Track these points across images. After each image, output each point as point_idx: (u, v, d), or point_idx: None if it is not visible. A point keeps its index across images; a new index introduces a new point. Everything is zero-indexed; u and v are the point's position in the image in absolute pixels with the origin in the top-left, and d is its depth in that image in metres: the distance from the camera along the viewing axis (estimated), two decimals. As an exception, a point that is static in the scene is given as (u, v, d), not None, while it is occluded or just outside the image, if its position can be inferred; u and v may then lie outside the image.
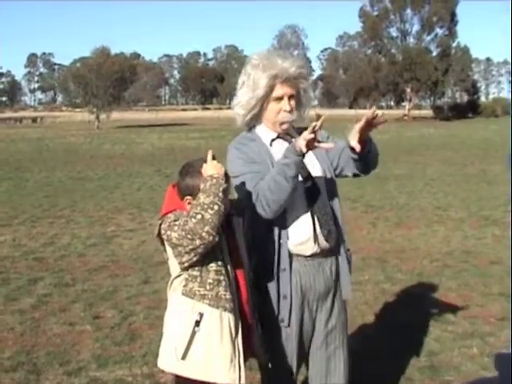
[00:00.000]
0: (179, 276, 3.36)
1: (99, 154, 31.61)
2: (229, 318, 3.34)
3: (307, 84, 3.87)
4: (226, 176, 3.34)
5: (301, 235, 3.71)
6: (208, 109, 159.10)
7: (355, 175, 3.90)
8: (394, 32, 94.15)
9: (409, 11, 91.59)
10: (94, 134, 56.08)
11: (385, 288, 8.09)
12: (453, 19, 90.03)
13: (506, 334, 6.45)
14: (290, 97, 3.75)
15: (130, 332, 6.65)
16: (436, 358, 5.91)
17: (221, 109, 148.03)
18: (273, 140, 3.83)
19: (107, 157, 30.11)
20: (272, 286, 3.73)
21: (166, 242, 3.31)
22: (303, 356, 3.97)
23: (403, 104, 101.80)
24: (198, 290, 3.31)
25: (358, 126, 3.50)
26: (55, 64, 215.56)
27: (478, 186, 18.39)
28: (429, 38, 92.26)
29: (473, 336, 6.41)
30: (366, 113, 3.50)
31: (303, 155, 3.48)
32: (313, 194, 3.74)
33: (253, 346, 3.55)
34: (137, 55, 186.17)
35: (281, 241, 3.71)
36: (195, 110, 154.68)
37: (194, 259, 3.22)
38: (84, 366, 5.82)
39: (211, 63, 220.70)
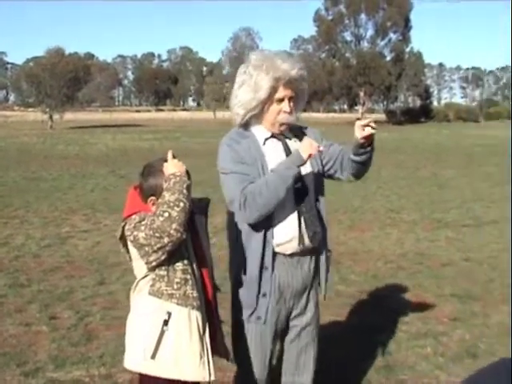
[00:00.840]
0: (145, 277, 3.37)
1: (53, 155, 31.29)
2: (196, 316, 3.37)
3: (306, 86, 3.90)
4: (188, 174, 3.36)
5: (286, 235, 3.77)
6: (162, 110, 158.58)
7: (349, 178, 4.04)
8: (348, 36, 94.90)
9: (363, 16, 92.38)
10: (48, 134, 55.49)
11: (339, 289, 8.15)
12: (407, 24, 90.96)
13: (458, 333, 6.59)
14: (290, 98, 3.79)
15: (86, 333, 6.61)
16: (391, 357, 6.00)
17: (174, 110, 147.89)
18: (266, 139, 3.87)
19: (61, 157, 29.82)
20: (252, 283, 3.79)
21: (131, 244, 3.30)
22: (276, 351, 4.05)
23: (356, 108, 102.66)
24: (166, 290, 3.32)
25: (361, 123, 3.65)
26: (8, 63, 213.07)
27: (430, 189, 18.64)
28: (383, 42, 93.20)
29: (426, 336, 6.53)
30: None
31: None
32: (301, 194, 3.80)
33: (217, 344, 3.60)
34: (91, 55, 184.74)
35: (266, 239, 3.76)
36: (149, 111, 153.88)
37: (162, 258, 3.24)
38: (41, 366, 5.78)
39: (165, 64, 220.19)
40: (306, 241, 3.80)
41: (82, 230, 12.15)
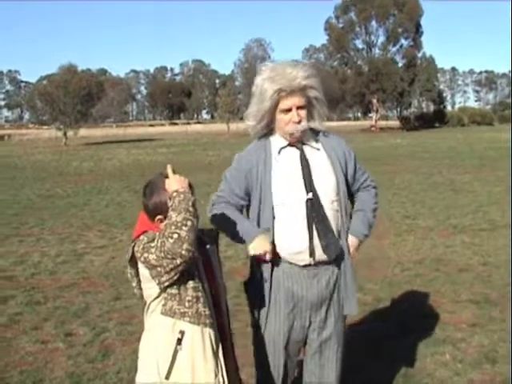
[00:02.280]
0: (157, 297, 3.34)
1: (68, 171, 31.41)
2: (209, 333, 3.35)
3: (317, 93, 3.85)
4: (191, 187, 3.33)
5: (296, 245, 3.78)
6: (176, 124, 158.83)
7: None
8: (359, 44, 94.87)
9: (374, 23, 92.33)
10: (62, 150, 55.72)
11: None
12: (417, 30, 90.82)
13: (476, 339, 6.52)
14: (300, 107, 3.77)
15: (102, 348, 6.60)
16: (410, 365, 5.94)
17: (188, 123, 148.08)
18: (282, 148, 3.88)
19: (76, 174, 29.93)
20: (264, 292, 3.85)
21: (142, 264, 3.27)
22: (291, 364, 4.02)
23: (370, 115, 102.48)
24: (178, 309, 3.30)
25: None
26: (21, 81, 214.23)
27: (445, 194, 18.54)
28: (394, 49, 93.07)
29: (445, 342, 6.47)
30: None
31: None
32: (314, 205, 3.77)
33: (229, 369, 3.54)
34: (104, 71, 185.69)
35: (277, 248, 3.78)
36: (162, 125, 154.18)
37: (175, 277, 3.21)
38: (58, 383, 5.78)
39: (178, 78, 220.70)
40: (319, 253, 3.77)
41: (98, 245, 12.15)
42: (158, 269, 3.18)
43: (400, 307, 7.81)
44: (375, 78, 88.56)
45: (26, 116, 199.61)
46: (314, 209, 3.76)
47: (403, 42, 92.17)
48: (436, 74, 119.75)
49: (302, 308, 3.86)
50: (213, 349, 3.35)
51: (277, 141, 3.90)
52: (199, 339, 3.30)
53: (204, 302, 3.36)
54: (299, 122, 3.77)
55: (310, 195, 3.76)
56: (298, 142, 3.86)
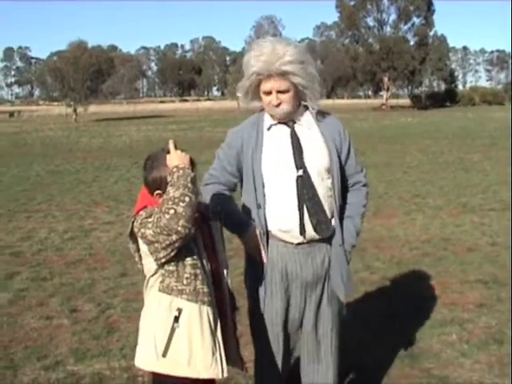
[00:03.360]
0: (155, 273, 3.31)
1: (77, 148, 31.44)
2: (207, 311, 3.31)
3: (301, 79, 3.71)
4: (192, 163, 3.27)
5: (286, 222, 3.75)
6: (186, 100, 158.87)
7: None
8: (370, 22, 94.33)
9: (385, 1, 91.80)
10: (72, 127, 55.81)
11: (363, 277, 8.08)
12: (429, 8, 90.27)
13: (483, 320, 6.47)
14: (281, 91, 3.69)
15: (107, 325, 6.60)
16: (416, 345, 5.90)
17: (199, 100, 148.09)
18: (272, 125, 3.86)
19: (85, 150, 29.94)
20: (260, 269, 3.84)
21: (140, 240, 3.24)
22: (289, 342, 4.00)
23: (381, 93, 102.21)
24: (176, 286, 3.27)
25: None
26: (32, 58, 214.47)
27: (455, 173, 18.44)
28: (406, 27, 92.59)
29: (452, 323, 6.41)
30: None
31: None
32: (304, 182, 3.73)
33: (230, 351, 3.53)
34: (114, 48, 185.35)
35: (268, 225, 3.78)
36: (173, 101, 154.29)
37: (172, 254, 3.17)
38: (61, 360, 5.77)
39: (189, 55, 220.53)
40: (309, 230, 3.73)
41: (105, 221, 12.16)
42: (156, 244, 3.14)
43: (407, 287, 7.77)
44: (386, 57, 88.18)
45: (37, 92, 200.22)
46: (305, 186, 3.73)
47: (415, 20, 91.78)
48: (447, 52, 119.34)
49: (297, 287, 3.85)
50: (211, 327, 3.31)
51: (268, 117, 3.87)
52: (197, 317, 3.27)
53: (202, 279, 3.32)
54: (278, 105, 3.71)
55: (300, 172, 3.73)
56: (288, 119, 3.81)
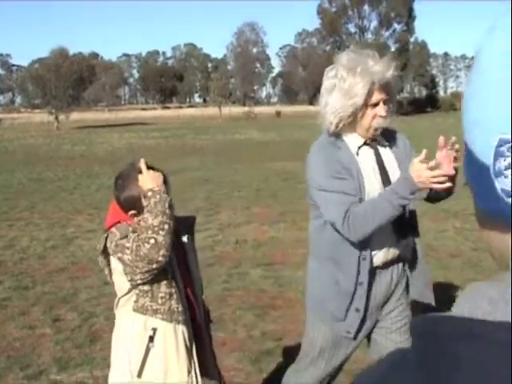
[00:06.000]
0: (128, 293, 3.27)
1: (59, 155, 31.28)
2: (182, 330, 3.30)
3: (395, 87, 3.72)
4: (165, 182, 3.24)
5: (382, 250, 3.63)
6: (168, 107, 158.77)
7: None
8: (352, 28, 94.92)
9: (366, 7, 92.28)
10: (54, 134, 55.57)
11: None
12: (410, 15, 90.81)
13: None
14: (384, 101, 3.57)
15: (90, 334, 6.58)
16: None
17: (181, 107, 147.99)
18: (360, 147, 3.65)
19: (67, 158, 29.81)
20: (346, 297, 3.63)
21: (114, 258, 3.20)
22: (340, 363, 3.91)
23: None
24: (150, 305, 3.23)
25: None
26: (13, 65, 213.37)
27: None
28: (387, 33, 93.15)
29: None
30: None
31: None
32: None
33: (207, 366, 3.52)
34: (95, 55, 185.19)
35: (363, 253, 3.57)
36: (155, 109, 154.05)
37: (149, 278, 3.16)
38: (45, 369, 5.76)
39: (170, 62, 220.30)
40: (396, 254, 3.70)
41: (87, 230, 12.10)
42: (134, 268, 3.12)
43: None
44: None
45: (18, 100, 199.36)
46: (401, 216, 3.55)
47: (396, 26, 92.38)
48: (428, 58, 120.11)
49: (373, 310, 3.73)
50: (186, 346, 3.30)
51: (352, 139, 3.65)
52: (172, 336, 3.25)
53: (177, 298, 3.30)
54: (385, 117, 3.59)
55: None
56: (372, 140, 3.67)
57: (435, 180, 3.21)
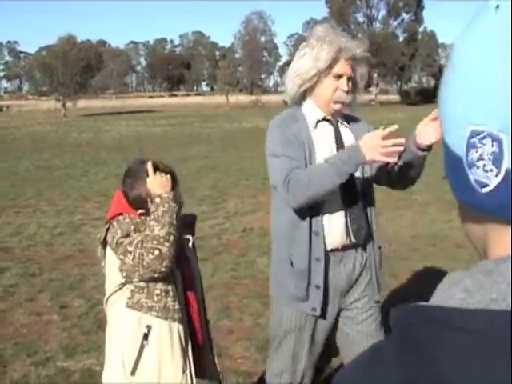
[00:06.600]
0: (120, 289, 3.24)
1: (66, 143, 31.28)
2: (178, 328, 3.26)
3: (365, 70, 3.73)
4: (174, 180, 3.25)
5: (334, 228, 3.62)
6: (175, 95, 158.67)
7: (388, 186, 3.83)
8: (360, 17, 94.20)
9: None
10: (61, 122, 55.54)
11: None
12: (419, 4, 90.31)
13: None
14: (349, 78, 3.61)
15: (97, 321, 6.58)
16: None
17: (188, 95, 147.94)
18: (318, 121, 3.68)
19: (74, 145, 29.81)
20: (303, 275, 3.62)
21: (112, 252, 3.18)
22: (315, 351, 3.87)
23: (370, 89, 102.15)
24: (146, 302, 3.20)
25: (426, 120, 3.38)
26: (21, 52, 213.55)
27: (442, 169, 18.43)
28: (395, 23, 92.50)
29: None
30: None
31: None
32: (347, 187, 3.56)
33: (205, 365, 3.51)
34: (103, 42, 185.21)
35: (312, 230, 3.58)
36: (162, 96, 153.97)
37: (147, 279, 3.16)
38: (52, 356, 5.79)
39: (178, 50, 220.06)
40: (351, 236, 3.65)
41: (95, 217, 12.12)
42: (133, 271, 3.10)
43: (396, 282, 7.80)
44: (376, 52, 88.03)
45: (25, 87, 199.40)
46: (348, 191, 3.61)
47: (404, 16, 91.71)
48: (437, 48, 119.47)
49: (334, 293, 3.72)
50: (181, 344, 3.27)
51: (312, 111, 3.69)
52: (167, 334, 3.22)
53: (174, 295, 3.26)
54: (347, 93, 3.62)
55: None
56: (333, 116, 3.69)
57: (383, 151, 3.21)
